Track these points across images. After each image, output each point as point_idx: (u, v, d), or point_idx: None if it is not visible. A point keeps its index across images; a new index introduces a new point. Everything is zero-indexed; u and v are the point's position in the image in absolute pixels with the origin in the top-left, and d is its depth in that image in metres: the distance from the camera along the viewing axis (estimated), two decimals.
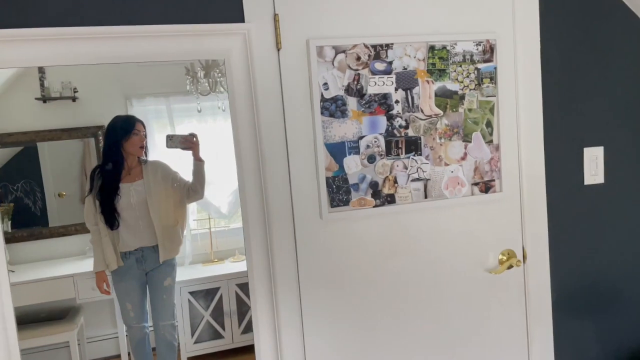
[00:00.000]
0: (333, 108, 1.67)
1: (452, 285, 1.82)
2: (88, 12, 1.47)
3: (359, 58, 1.67)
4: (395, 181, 1.74)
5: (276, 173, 1.64)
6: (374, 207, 1.72)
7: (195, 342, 3.61)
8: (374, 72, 1.69)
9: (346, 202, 1.69)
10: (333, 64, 1.65)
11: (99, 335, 3.82)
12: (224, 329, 3.66)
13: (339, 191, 1.68)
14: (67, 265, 3.52)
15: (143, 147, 2.87)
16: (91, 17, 1.47)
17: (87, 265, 3.41)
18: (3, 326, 1.46)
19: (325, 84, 1.65)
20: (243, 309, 3.70)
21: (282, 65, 1.62)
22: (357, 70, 1.68)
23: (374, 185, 1.72)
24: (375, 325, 1.76)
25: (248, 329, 3.72)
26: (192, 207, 4.02)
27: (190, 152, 2.86)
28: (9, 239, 3.58)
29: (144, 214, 2.83)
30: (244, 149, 1.62)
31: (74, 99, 3.66)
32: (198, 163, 2.87)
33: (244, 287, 3.70)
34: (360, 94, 1.69)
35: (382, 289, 1.75)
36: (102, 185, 2.80)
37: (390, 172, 1.73)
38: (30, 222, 3.71)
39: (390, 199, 1.74)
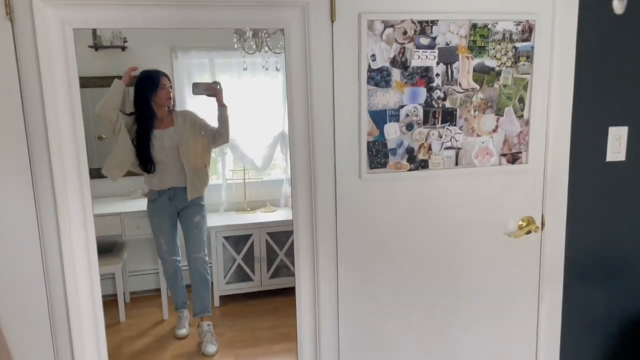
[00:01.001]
0: (378, 78, 1.82)
1: (474, 245, 2.01)
2: None
3: (405, 32, 1.81)
4: (430, 148, 1.91)
5: (323, 134, 1.82)
6: (408, 170, 1.90)
7: (227, 283, 3.91)
8: (419, 46, 1.83)
9: (383, 165, 1.88)
10: (381, 37, 1.79)
11: (141, 270, 4.16)
12: (253, 273, 3.94)
13: (377, 154, 1.86)
14: (115, 204, 3.81)
15: (170, 99, 3.13)
16: None
17: (133, 205, 3.69)
18: (87, 256, 1.72)
19: (373, 55, 1.80)
20: (272, 256, 3.97)
21: (334, 36, 1.77)
22: (403, 44, 1.82)
23: (410, 151, 1.89)
24: (401, 275, 1.98)
25: (275, 274, 4.00)
26: (229, 158, 4.25)
27: (214, 99, 3.12)
28: None
29: (176, 157, 3.12)
30: (296, 110, 1.80)
31: (123, 49, 3.84)
32: (222, 108, 3.13)
33: (274, 235, 3.95)
34: (404, 66, 1.83)
35: (411, 244, 1.96)
36: (137, 132, 3.09)
37: (426, 140, 1.90)
38: None
39: (424, 164, 1.91)
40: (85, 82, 3.86)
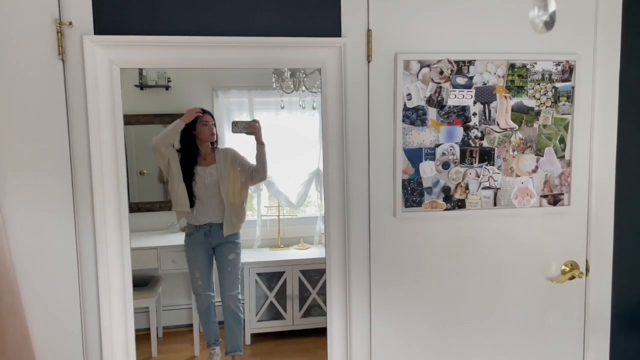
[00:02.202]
0: (414, 117, 1.82)
1: (513, 289, 1.93)
2: (204, 22, 1.71)
3: (441, 72, 1.81)
4: (467, 188, 1.87)
5: (357, 172, 1.82)
6: (444, 210, 1.86)
7: (259, 321, 3.85)
8: (455, 86, 1.83)
9: (419, 204, 1.85)
10: (417, 76, 1.80)
11: (175, 305, 4.17)
12: (285, 311, 3.88)
13: (413, 193, 1.84)
14: (152, 238, 3.87)
15: (213, 134, 3.24)
16: (206, 27, 1.71)
17: (169, 239, 3.74)
18: (123, 290, 1.74)
19: (409, 94, 1.81)
20: (304, 294, 3.90)
21: (370, 76, 1.79)
22: (439, 83, 1.82)
23: (446, 190, 1.86)
24: (437, 320, 1.91)
25: (308, 313, 3.92)
26: (264, 195, 4.28)
27: (253, 137, 3.19)
28: None
29: (215, 194, 3.19)
30: (331, 147, 1.81)
31: (167, 88, 3.99)
32: (260, 146, 3.21)
33: (307, 273, 3.90)
34: (440, 105, 1.83)
35: (447, 287, 1.89)
36: (181, 168, 3.18)
37: (463, 179, 1.87)
38: None
39: (461, 204, 1.87)
40: (130, 120, 4.02)
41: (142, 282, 3.77)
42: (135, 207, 4.07)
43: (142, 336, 3.83)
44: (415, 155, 1.83)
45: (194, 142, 3.21)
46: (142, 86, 3.97)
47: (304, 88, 3.15)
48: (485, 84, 1.84)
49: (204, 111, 3.24)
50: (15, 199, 1.61)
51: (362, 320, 1.86)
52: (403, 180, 1.83)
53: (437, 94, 1.82)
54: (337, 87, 1.78)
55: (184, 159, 3.20)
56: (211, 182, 3.20)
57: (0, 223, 1.57)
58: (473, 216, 1.88)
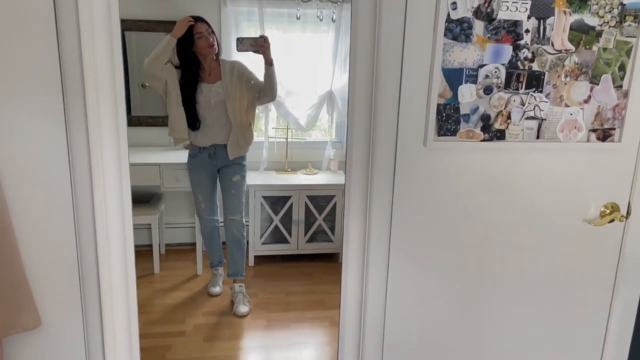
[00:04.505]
0: (457, 30, 1.57)
1: (547, 229, 1.78)
2: None
3: None
4: (509, 117, 1.66)
5: (387, 92, 1.60)
6: (481, 140, 1.66)
7: (263, 244, 3.81)
8: None
9: (453, 132, 1.64)
10: None
11: (177, 223, 4.11)
12: (290, 235, 3.83)
13: (448, 120, 1.63)
14: (154, 154, 3.71)
15: (212, 46, 2.86)
16: None
17: (173, 156, 3.59)
18: (121, 204, 1.58)
19: (454, 3, 1.54)
20: (310, 219, 3.83)
21: None
22: None
23: (485, 119, 1.65)
24: (461, 254, 1.77)
25: (313, 238, 3.88)
26: (272, 116, 4.07)
27: (261, 55, 2.84)
28: None
29: (222, 114, 2.94)
30: (359, 62, 1.58)
31: None
32: (268, 67, 2.86)
33: (314, 199, 3.81)
34: (489, 18, 1.57)
35: (475, 224, 1.74)
36: (182, 86, 2.89)
37: (505, 107, 1.65)
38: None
39: (500, 135, 1.67)
40: (130, 25, 3.72)
41: (145, 199, 3.68)
42: (136, 121, 3.88)
43: (144, 252, 3.81)
44: (454, 77, 1.60)
45: (195, 57, 2.89)
46: None
47: None
48: None
49: (196, 19, 2.84)
50: None
51: (380, 249, 1.72)
52: (438, 105, 1.61)
53: (486, 4, 1.56)
54: None
55: (186, 76, 2.90)
56: (217, 102, 2.93)
57: None
58: (512, 149, 1.68)
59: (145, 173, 3.47)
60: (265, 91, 2.94)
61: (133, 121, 3.90)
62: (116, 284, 1.66)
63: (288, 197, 3.78)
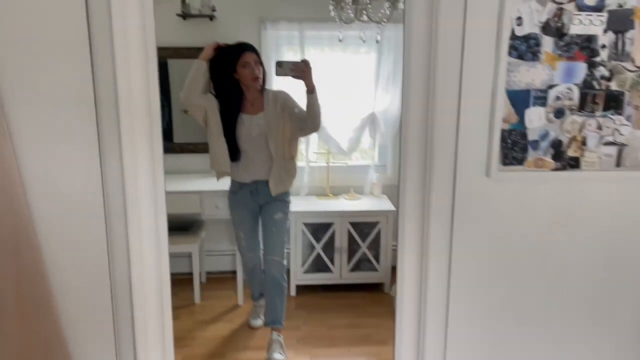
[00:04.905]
0: (523, 48, 1.41)
1: (631, 270, 1.56)
2: None
3: None
4: (584, 143, 1.48)
5: (444, 117, 1.45)
6: (552, 170, 1.48)
7: (305, 272, 3.66)
8: (581, 8, 1.40)
9: (520, 161, 1.47)
10: None
11: (219, 250, 4.03)
12: (332, 264, 3.66)
13: (513, 147, 1.46)
14: (195, 181, 3.66)
15: (257, 79, 2.62)
16: None
17: (212, 183, 3.52)
18: (156, 232, 1.49)
19: (519, 18, 1.39)
20: (353, 247, 3.66)
21: None
22: (560, 3, 1.39)
23: (556, 145, 1.47)
24: (534, 299, 1.58)
25: (356, 267, 3.70)
26: (313, 139, 3.97)
27: (301, 81, 2.55)
28: None
29: (263, 147, 2.73)
30: (413, 84, 1.44)
31: (211, 18, 3.65)
32: (310, 95, 2.57)
33: (357, 226, 3.64)
34: (559, 33, 1.41)
35: (548, 262, 1.55)
36: (222, 115, 2.70)
37: (580, 132, 1.47)
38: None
39: (574, 163, 1.49)
40: (172, 53, 3.72)
41: (185, 227, 3.62)
42: (178, 148, 3.86)
43: (185, 281, 3.73)
44: (520, 99, 1.43)
45: (236, 86, 2.68)
46: (184, 15, 3.64)
47: (365, 17, 2.72)
48: (622, 6, 1.40)
49: (246, 47, 2.65)
50: (31, 134, 1.34)
51: (438, 293, 1.55)
52: (503, 131, 1.45)
53: (556, 19, 1.40)
54: (424, 6, 1.38)
55: (225, 106, 2.69)
56: (259, 134, 2.71)
57: (13, 162, 1.32)
58: (588, 179, 1.49)
59: (185, 201, 3.41)
60: (307, 121, 2.66)
61: (174, 148, 3.87)
62: (151, 318, 1.56)
63: (330, 224, 3.63)
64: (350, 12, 2.72)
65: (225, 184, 3.25)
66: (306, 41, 3.70)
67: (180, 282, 3.76)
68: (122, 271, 1.49)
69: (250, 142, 2.73)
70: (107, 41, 1.33)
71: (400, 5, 2.57)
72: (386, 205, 3.71)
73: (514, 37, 1.40)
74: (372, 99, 3.82)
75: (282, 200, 2.87)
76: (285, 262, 2.93)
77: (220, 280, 3.96)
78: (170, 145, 3.85)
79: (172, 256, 3.76)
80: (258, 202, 2.87)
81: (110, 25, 1.31)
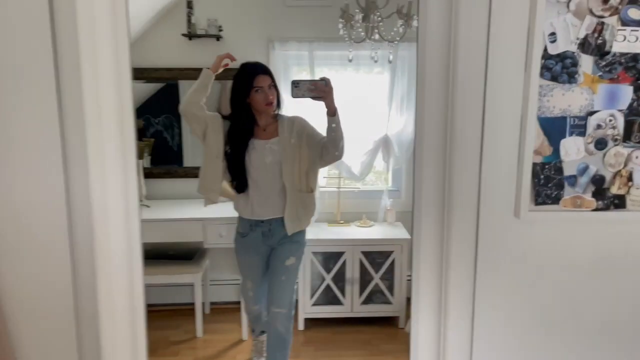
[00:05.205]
0: (558, 69, 1.21)
1: None
2: None
3: (606, 0, 1.18)
4: (630, 178, 1.26)
5: (465, 147, 1.26)
6: (593, 210, 1.27)
7: (314, 305, 3.46)
8: (626, 23, 1.20)
9: (555, 200, 1.26)
10: (568, 6, 1.18)
11: (223, 280, 3.84)
12: (343, 296, 3.46)
13: (547, 184, 1.25)
14: (197, 208, 3.49)
15: (270, 104, 2.34)
16: None
17: (216, 210, 3.34)
18: (129, 262, 1.30)
19: (553, 33, 1.20)
20: (366, 278, 3.46)
21: (493, 5, 1.19)
22: (601, 17, 1.19)
23: (598, 181, 1.26)
24: (564, 357, 1.35)
25: (369, 299, 3.49)
26: None
27: (321, 102, 2.23)
28: (148, 174, 3.64)
29: (278, 177, 2.39)
30: (428, 109, 1.25)
31: (218, 38, 3.53)
32: (331, 118, 2.28)
33: (369, 255, 3.45)
34: (600, 51, 1.21)
35: (589, 314, 1.33)
36: (231, 138, 2.39)
37: (625, 166, 1.26)
38: (167, 160, 3.75)
39: (619, 202, 1.27)
40: (177, 74, 3.60)
41: (187, 256, 3.44)
42: (182, 173, 3.72)
43: (188, 311, 3.56)
44: (555, 128, 1.23)
45: (248, 111, 2.38)
46: (190, 36, 3.52)
47: (377, 36, 2.55)
48: None
49: (259, 69, 2.38)
50: None
51: (460, 343, 1.34)
52: (534, 165, 1.24)
53: (596, 35, 1.20)
54: (442, 18, 1.20)
55: (235, 128, 2.39)
56: (273, 162, 2.37)
57: None
58: (636, 221, 1.27)
59: (187, 228, 3.24)
60: (328, 148, 2.34)
61: (179, 173, 3.73)
62: (121, 351, 1.36)
63: (341, 253, 3.43)
64: (360, 30, 2.55)
65: (229, 210, 3.06)
66: (316, 61, 3.56)
67: (184, 312, 3.59)
68: (88, 296, 1.31)
69: (264, 171, 2.39)
70: (73, 57, 1.16)
71: (414, 23, 2.40)
72: (400, 233, 3.52)
73: (546, 55, 1.20)
74: (386, 121, 3.66)
75: (297, 241, 2.49)
76: (292, 312, 2.56)
77: (224, 311, 3.77)
78: (181, 169, 3.70)
79: (174, 286, 3.65)
80: (270, 244, 2.50)
81: (76, 39, 1.15)
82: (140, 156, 3.55)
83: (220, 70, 2.49)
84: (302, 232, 2.49)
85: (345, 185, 3.76)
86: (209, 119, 2.41)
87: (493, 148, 1.25)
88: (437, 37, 1.23)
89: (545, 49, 1.20)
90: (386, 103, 3.62)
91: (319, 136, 2.43)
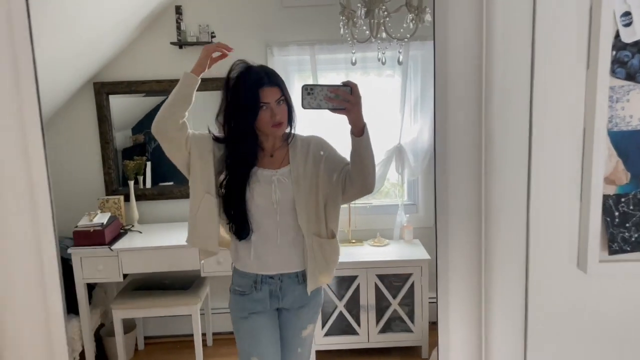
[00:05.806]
0: (635, 63, 0.86)
1: None
2: None
3: None
4: None
5: (504, 174, 0.92)
6: None
7: (326, 335, 3.16)
8: None
9: (636, 246, 0.91)
10: None
11: (225, 308, 3.54)
12: (359, 325, 3.18)
13: (625, 223, 0.90)
14: None
15: (279, 125, 1.73)
16: None
17: None
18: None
19: (627, 14, 0.85)
20: (382, 304, 3.18)
21: None
22: None
23: None
24: None
25: (386, 328, 3.21)
26: None
27: (343, 115, 1.61)
28: (139, 197, 3.36)
29: (290, 218, 1.80)
30: (451, 120, 0.92)
31: None
32: (358, 139, 1.67)
33: (385, 279, 3.17)
34: None
35: None
36: (227, 168, 1.80)
37: None
38: (163, 179, 3.48)
39: None
40: (167, 86, 3.30)
41: (184, 286, 3.15)
42: (178, 193, 3.43)
43: (189, 343, 3.27)
44: (633, 146, 0.89)
45: (251, 131, 1.76)
46: (180, 44, 3.22)
47: (384, 34, 2.22)
48: None
49: (261, 78, 1.70)
50: None
51: None
52: (605, 198, 0.90)
53: None
54: (469, 5, 0.86)
55: (233, 156, 1.78)
56: (284, 199, 1.78)
57: None
58: None
59: (182, 256, 2.95)
60: (353, 179, 1.74)
61: (174, 193, 3.44)
62: None
63: (354, 277, 3.15)
64: (364, 28, 2.22)
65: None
66: (319, 66, 3.27)
67: (185, 345, 3.32)
68: None
69: (271, 210, 1.80)
70: None
71: (427, 17, 2.06)
72: (419, 252, 3.22)
73: (618, 45, 0.85)
74: (398, 129, 3.35)
75: (316, 302, 1.94)
76: None
77: (228, 342, 3.48)
78: (177, 190, 3.40)
79: (174, 317, 3.36)
80: (281, 306, 1.90)
81: None
82: (130, 177, 3.27)
83: (205, 64, 1.82)
84: (319, 288, 1.94)
85: (356, 200, 3.45)
86: (194, 143, 1.77)
87: (543, 175, 0.91)
88: (462, 30, 0.89)
89: (617, 36, 0.85)
90: (398, 109, 3.31)
91: (342, 162, 1.82)
